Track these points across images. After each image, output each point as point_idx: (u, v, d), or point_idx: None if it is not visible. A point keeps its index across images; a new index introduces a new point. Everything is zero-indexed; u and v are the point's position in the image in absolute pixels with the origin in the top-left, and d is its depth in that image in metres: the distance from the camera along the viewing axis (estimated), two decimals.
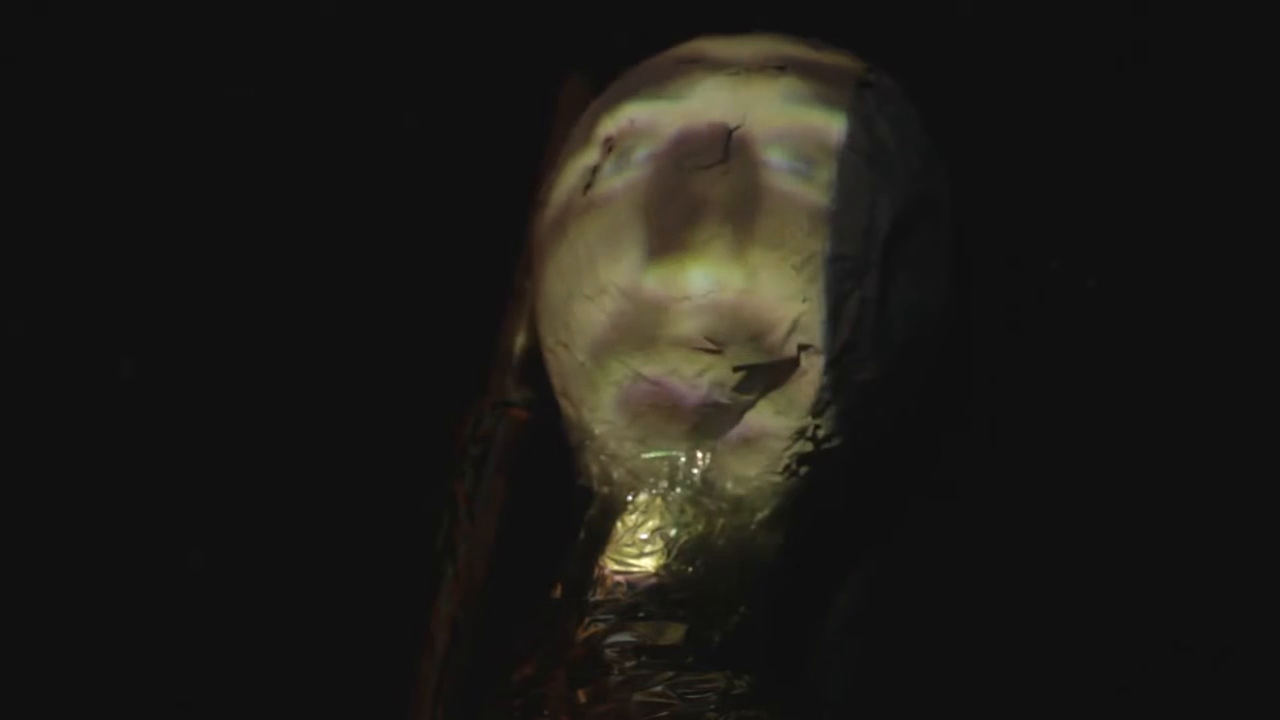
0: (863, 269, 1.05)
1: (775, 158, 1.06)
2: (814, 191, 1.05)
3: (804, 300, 1.04)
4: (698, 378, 1.05)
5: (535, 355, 1.16)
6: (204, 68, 1.34)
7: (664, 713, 1.00)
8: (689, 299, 1.04)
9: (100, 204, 1.32)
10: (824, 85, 1.08)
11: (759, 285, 1.04)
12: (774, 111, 1.07)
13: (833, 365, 1.05)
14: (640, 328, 1.05)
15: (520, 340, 1.20)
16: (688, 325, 1.04)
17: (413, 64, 1.33)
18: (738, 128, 1.07)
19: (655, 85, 1.11)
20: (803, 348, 1.04)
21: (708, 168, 1.06)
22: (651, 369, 1.05)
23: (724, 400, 1.05)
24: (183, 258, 1.31)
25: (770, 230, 1.04)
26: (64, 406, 1.29)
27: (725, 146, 1.06)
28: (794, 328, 1.04)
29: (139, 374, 1.29)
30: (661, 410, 1.06)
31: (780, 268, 1.04)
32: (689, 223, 1.05)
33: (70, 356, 1.29)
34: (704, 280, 1.04)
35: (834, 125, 1.07)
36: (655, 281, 1.05)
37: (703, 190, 1.05)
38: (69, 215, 1.33)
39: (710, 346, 1.04)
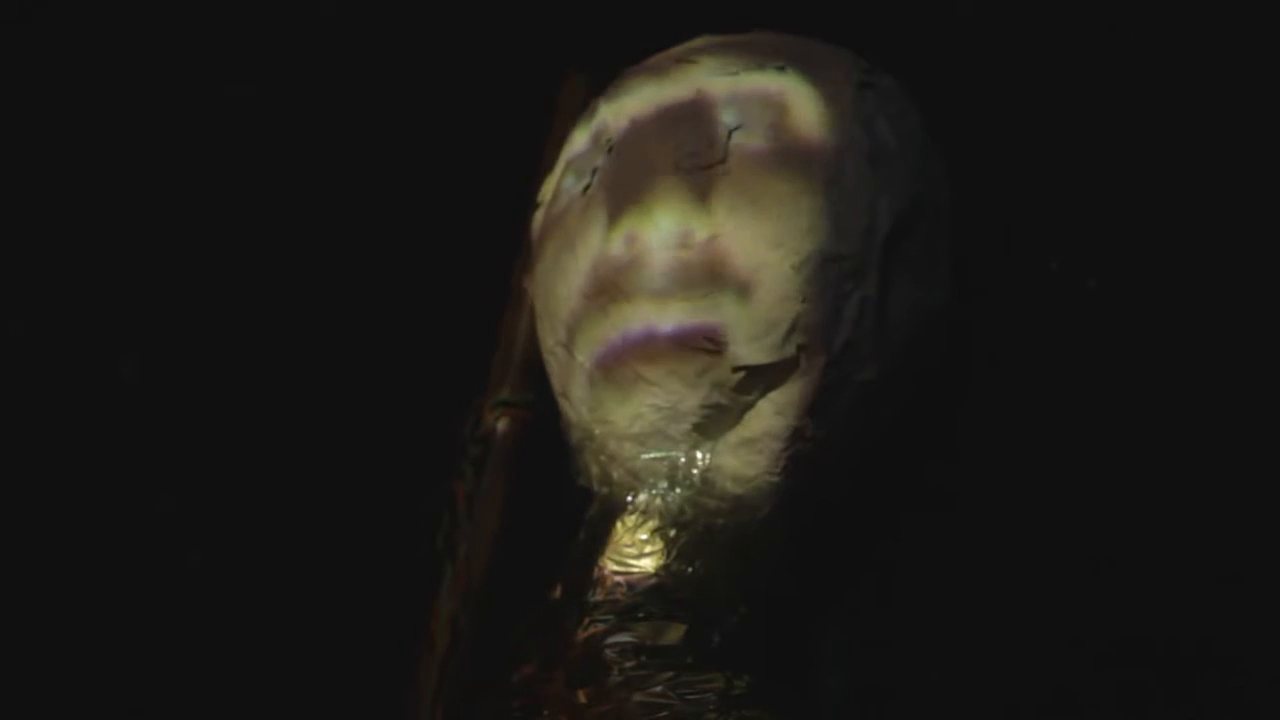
0: (863, 269, 1.05)
1: (770, 155, 1.06)
2: (811, 192, 1.05)
3: (804, 300, 1.04)
4: (697, 378, 1.05)
5: (535, 355, 1.16)
6: (204, 68, 1.34)
7: (664, 713, 1.00)
8: (652, 249, 1.04)
9: (100, 204, 1.32)
10: (824, 85, 1.08)
11: (727, 234, 1.04)
12: (772, 110, 1.07)
13: (833, 365, 1.05)
14: (612, 289, 1.05)
15: (520, 340, 1.20)
16: (657, 276, 1.04)
17: (413, 64, 1.33)
18: (738, 127, 1.07)
19: (655, 85, 1.10)
20: (802, 348, 1.04)
21: (708, 167, 1.06)
22: (625, 325, 1.05)
23: (724, 400, 1.05)
24: (183, 258, 1.31)
25: (770, 230, 1.04)
26: (64, 406, 1.29)
27: (726, 146, 1.06)
28: (794, 328, 1.04)
29: (139, 374, 1.29)
30: (662, 410, 1.06)
31: (780, 268, 1.04)
32: (648, 181, 1.05)
33: (70, 356, 1.29)
34: (667, 229, 1.04)
35: (834, 125, 1.07)
36: (619, 242, 1.05)
37: (663, 155, 1.05)
38: (69, 215, 1.33)
39: (710, 347, 1.04)
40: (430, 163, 1.32)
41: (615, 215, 1.06)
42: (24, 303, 1.31)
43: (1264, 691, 1.12)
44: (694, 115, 1.08)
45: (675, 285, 1.04)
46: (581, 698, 1.01)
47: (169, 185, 1.33)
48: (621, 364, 1.06)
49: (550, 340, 1.11)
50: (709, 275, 1.04)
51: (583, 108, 1.16)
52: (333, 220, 1.31)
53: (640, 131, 1.09)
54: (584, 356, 1.08)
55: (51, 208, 1.33)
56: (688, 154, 1.06)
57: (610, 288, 1.05)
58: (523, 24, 1.32)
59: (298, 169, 1.32)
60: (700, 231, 1.04)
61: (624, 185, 1.07)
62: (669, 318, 1.04)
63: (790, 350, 1.04)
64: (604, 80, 1.16)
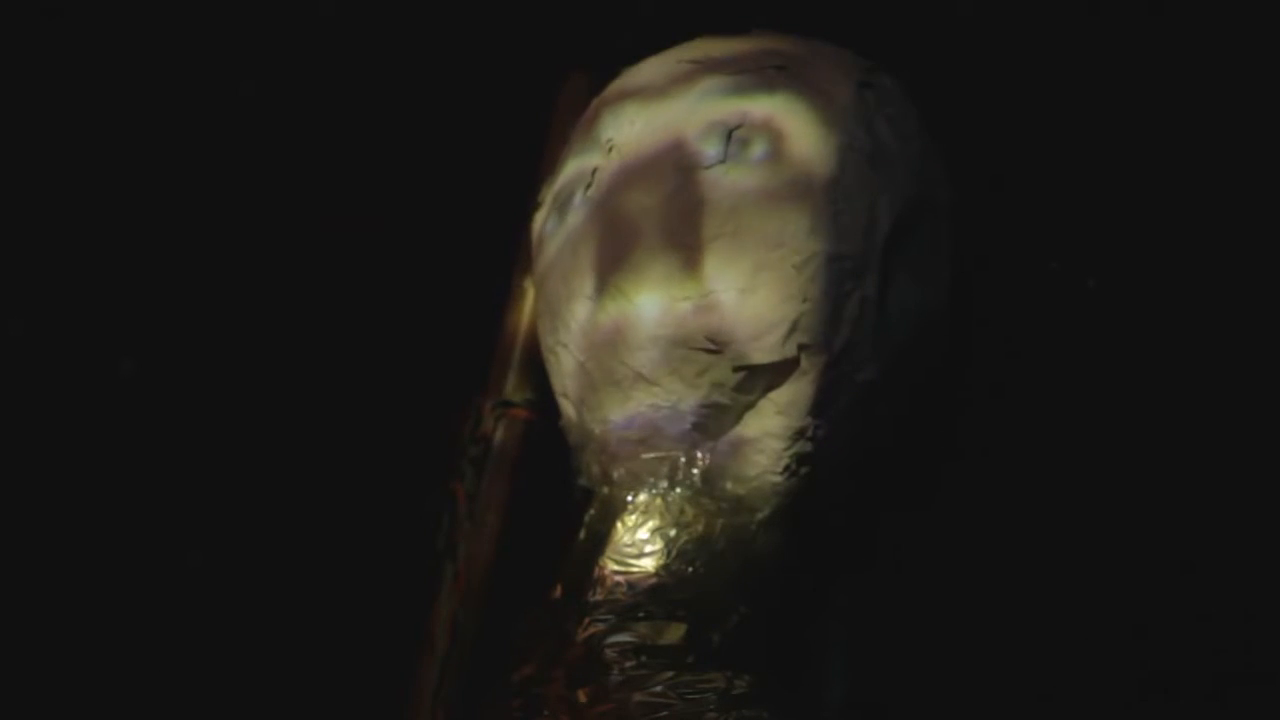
0: (863, 269, 1.05)
1: (766, 156, 1.06)
2: (811, 192, 1.05)
3: (804, 300, 1.04)
4: (697, 378, 1.05)
5: (535, 355, 1.16)
6: (205, 68, 1.34)
7: (664, 713, 1.00)
8: (645, 328, 1.05)
9: (100, 204, 1.33)
10: (824, 85, 1.08)
11: (723, 292, 1.04)
12: (773, 111, 1.07)
13: (833, 365, 1.05)
14: (636, 330, 1.06)
15: (520, 340, 1.20)
16: (646, 341, 1.05)
17: (413, 64, 1.33)
18: (738, 127, 1.07)
19: (656, 85, 1.11)
20: (803, 348, 1.04)
21: (709, 167, 1.06)
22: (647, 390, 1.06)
23: (724, 400, 1.05)
24: (183, 258, 1.31)
25: (771, 230, 1.04)
26: (64, 406, 1.29)
27: (725, 146, 1.06)
28: (794, 328, 1.04)
29: (139, 374, 1.29)
30: (662, 410, 1.06)
31: (780, 268, 1.04)
32: (629, 250, 1.05)
33: (70, 356, 1.30)
34: (655, 307, 1.05)
35: (834, 125, 1.07)
36: (609, 305, 1.06)
37: (646, 212, 1.06)
38: (69, 215, 1.33)
39: (710, 347, 1.04)
40: (431, 162, 1.32)
41: (601, 281, 1.06)
42: (24, 303, 1.31)
43: (1264, 691, 1.12)
44: (694, 115, 1.07)
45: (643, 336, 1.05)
46: (582, 698, 1.01)
47: (169, 185, 1.33)
48: (623, 364, 1.06)
49: (550, 340, 1.11)
50: (664, 308, 1.04)
51: (583, 108, 1.16)
52: (333, 220, 1.31)
53: (639, 135, 1.08)
54: (585, 357, 1.08)
55: (51, 208, 1.33)
56: (689, 153, 1.06)
57: (619, 310, 1.06)
58: (523, 24, 1.32)
59: (298, 169, 1.32)
60: (690, 293, 1.04)
61: (609, 241, 1.07)
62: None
63: (790, 350, 1.04)
64: (604, 80, 1.16)
